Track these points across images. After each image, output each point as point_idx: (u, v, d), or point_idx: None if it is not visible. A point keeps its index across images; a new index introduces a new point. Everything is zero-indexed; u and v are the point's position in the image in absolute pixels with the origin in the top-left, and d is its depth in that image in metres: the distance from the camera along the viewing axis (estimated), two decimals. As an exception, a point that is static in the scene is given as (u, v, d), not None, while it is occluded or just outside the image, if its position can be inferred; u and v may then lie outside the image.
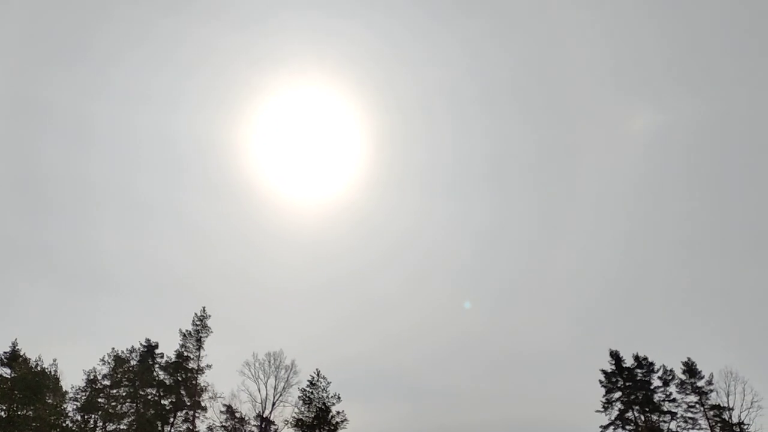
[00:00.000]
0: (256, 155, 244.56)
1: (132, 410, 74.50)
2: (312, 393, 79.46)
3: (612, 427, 79.70)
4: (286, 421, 77.90)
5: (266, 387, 78.69)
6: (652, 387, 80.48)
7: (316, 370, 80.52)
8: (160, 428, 74.05)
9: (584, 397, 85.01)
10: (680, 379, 79.61)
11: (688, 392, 79.07)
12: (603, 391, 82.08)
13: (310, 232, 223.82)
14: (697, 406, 78.09)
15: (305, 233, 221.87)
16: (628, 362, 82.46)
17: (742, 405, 76.15)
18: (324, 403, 78.92)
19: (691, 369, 79.23)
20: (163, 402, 75.52)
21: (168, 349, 78.17)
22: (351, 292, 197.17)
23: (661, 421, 79.37)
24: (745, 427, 75.81)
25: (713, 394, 77.85)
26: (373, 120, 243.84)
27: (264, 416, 77.99)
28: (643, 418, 79.60)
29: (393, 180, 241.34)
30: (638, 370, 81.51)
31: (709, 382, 78.21)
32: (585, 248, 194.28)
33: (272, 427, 78.27)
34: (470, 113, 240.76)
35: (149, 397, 75.31)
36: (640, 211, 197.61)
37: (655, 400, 79.85)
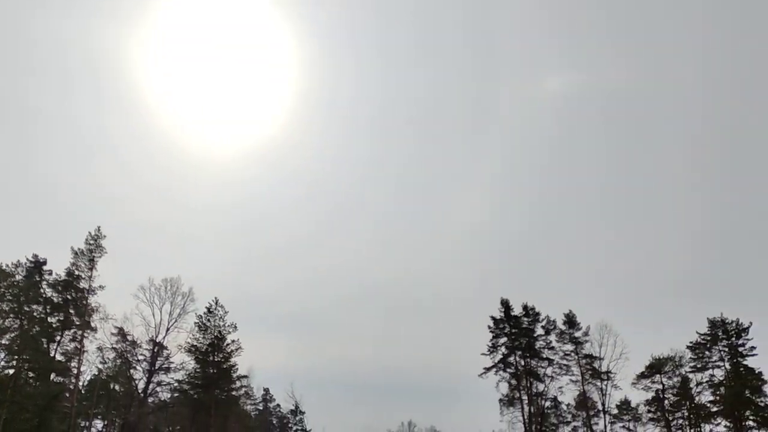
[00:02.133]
0: (158, 70, 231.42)
1: (15, 326, 71.84)
2: (208, 320, 79.48)
3: (495, 369, 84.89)
4: (179, 346, 77.80)
5: (161, 312, 77.97)
6: (535, 335, 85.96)
7: (215, 298, 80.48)
8: (45, 346, 72.09)
9: (478, 342, 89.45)
10: (560, 329, 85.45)
11: (566, 341, 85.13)
12: (491, 336, 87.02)
13: (221, 167, 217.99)
14: (572, 354, 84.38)
15: (215, 167, 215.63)
16: (517, 311, 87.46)
17: (611, 356, 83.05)
18: (220, 332, 79.23)
19: (570, 320, 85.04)
20: (49, 320, 73.18)
21: (57, 267, 75.26)
22: (260, 235, 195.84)
23: (539, 367, 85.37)
24: (612, 375, 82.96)
25: (588, 345, 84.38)
26: (299, 53, 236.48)
27: (157, 341, 77.55)
28: (523, 362, 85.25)
29: (315, 119, 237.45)
30: (525, 319, 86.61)
31: (586, 334, 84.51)
32: (492, 201, 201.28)
33: (165, 352, 78.07)
34: (402, 57, 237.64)
35: (35, 314, 72.72)
36: (549, 170, 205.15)
37: (536, 347, 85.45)
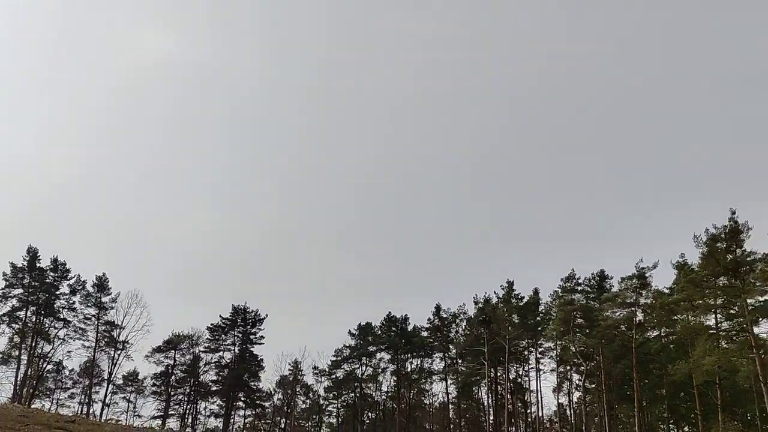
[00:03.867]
0: None
1: None
2: None
3: (-4, 322, 74.32)
4: None
5: None
6: (58, 292, 78.82)
7: None
8: None
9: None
10: (89, 291, 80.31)
11: (90, 305, 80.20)
12: (4, 284, 76.31)
13: None
14: (93, 319, 79.90)
15: None
16: (46, 263, 78.95)
17: (134, 326, 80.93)
18: None
19: (102, 284, 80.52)
20: None
21: None
22: None
23: (53, 327, 78.39)
24: (129, 345, 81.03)
25: (113, 312, 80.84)
26: None
27: None
28: (35, 319, 77.04)
29: None
30: (51, 274, 78.73)
31: (114, 300, 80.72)
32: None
33: None
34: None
35: None
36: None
37: (55, 306, 78.35)
